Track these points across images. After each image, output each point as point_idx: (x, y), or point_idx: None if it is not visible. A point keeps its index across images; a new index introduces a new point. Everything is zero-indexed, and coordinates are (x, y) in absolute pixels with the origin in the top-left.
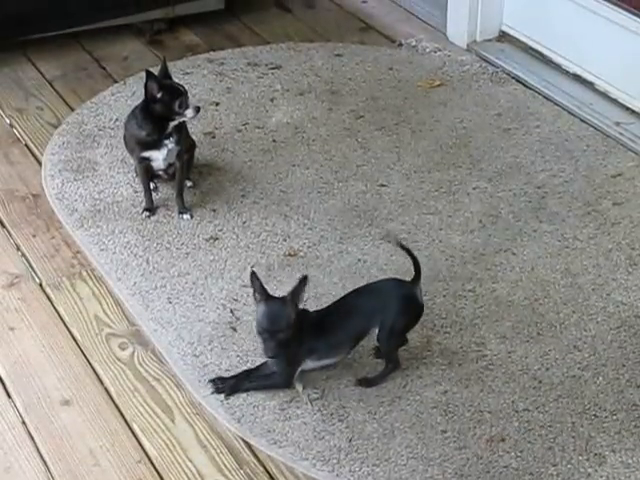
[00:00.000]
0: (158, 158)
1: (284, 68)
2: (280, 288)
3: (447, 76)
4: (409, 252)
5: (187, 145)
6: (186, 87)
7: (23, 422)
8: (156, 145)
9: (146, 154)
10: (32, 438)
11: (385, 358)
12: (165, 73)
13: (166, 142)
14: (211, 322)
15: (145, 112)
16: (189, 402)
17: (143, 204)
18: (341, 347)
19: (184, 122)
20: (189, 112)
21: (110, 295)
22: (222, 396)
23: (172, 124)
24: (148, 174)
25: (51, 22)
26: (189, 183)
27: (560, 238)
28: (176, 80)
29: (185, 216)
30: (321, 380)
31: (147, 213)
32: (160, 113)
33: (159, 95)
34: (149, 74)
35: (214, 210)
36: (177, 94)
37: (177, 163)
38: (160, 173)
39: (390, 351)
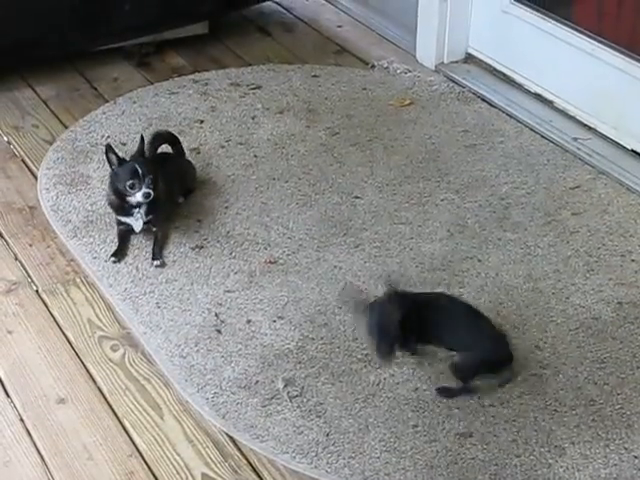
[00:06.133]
0: (133, 225)
1: (264, 88)
2: (261, 293)
3: (417, 95)
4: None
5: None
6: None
7: (21, 419)
8: (128, 213)
9: (121, 219)
10: (30, 434)
11: None
12: (141, 151)
13: (134, 212)
14: (197, 325)
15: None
16: (177, 400)
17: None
18: None
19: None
20: (138, 195)
21: (102, 300)
22: (208, 394)
23: (128, 200)
24: (126, 234)
25: (48, 49)
26: (181, 199)
27: (522, 246)
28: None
29: (155, 262)
30: (300, 378)
31: (113, 258)
32: (115, 187)
33: (114, 169)
34: (108, 148)
35: (199, 220)
36: (131, 175)
37: (153, 228)
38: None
39: None
